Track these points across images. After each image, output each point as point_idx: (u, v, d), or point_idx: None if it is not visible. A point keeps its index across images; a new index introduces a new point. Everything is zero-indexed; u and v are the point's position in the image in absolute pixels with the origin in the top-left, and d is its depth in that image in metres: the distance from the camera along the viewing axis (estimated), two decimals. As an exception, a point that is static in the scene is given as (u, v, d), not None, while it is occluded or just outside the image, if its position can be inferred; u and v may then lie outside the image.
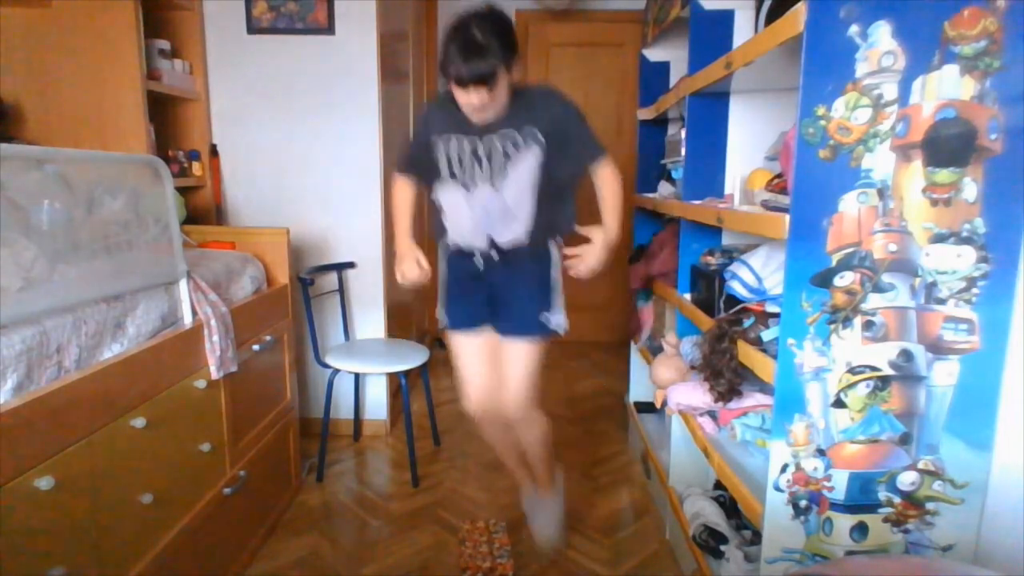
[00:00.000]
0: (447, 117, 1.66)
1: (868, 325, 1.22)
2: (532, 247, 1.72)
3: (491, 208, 1.67)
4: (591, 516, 2.26)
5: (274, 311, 2.12)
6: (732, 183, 1.91)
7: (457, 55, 1.47)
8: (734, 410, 1.65)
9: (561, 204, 1.75)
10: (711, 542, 1.71)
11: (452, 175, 1.68)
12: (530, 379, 1.76)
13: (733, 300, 1.59)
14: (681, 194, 2.04)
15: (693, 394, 1.70)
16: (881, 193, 1.19)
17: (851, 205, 1.19)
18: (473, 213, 1.69)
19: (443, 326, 1.88)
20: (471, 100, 1.52)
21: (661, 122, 2.69)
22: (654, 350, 2.33)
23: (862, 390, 1.25)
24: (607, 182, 1.73)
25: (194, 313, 1.63)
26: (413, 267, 1.76)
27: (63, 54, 2.15)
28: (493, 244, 1.71)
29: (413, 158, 1.80)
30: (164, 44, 2.38)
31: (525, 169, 1.65)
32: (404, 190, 1.82)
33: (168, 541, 1.48)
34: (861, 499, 1.30)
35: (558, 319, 1.76)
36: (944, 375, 1.24)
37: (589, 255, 1.67)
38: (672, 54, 2.65)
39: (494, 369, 1.81)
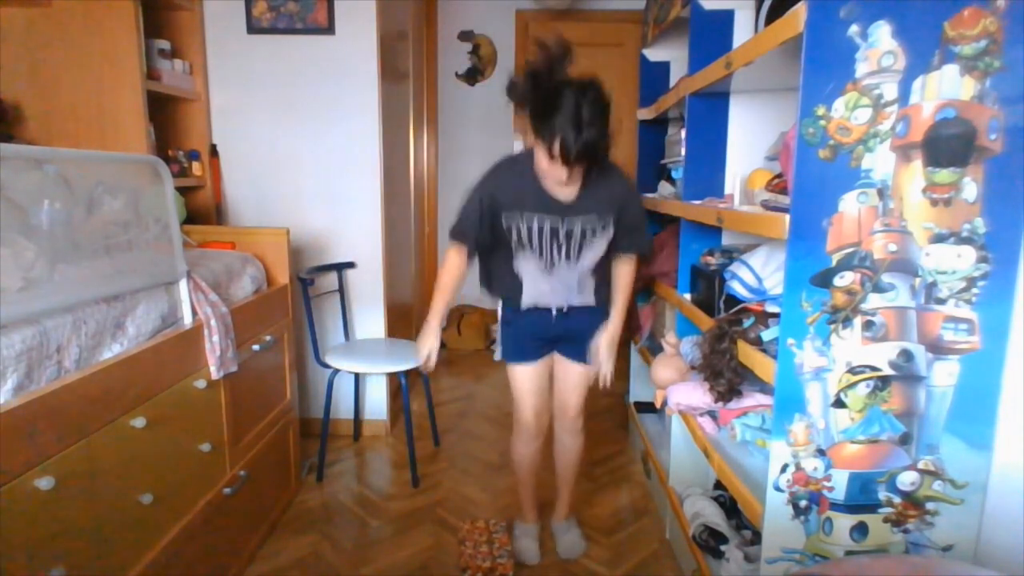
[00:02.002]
0: (525, 191, 1.66)
1: (868, 325, 1.22)
2: (598, 303, 1.86)
3: (568, 281, 1.77)
4: (591, 516, 2.26)
5: (274, 311, 2.12)
6: (732, 183, 1.91)
7: (569, 128, 1.45)
8: (734, 410, 1.65)
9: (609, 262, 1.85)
10: (711, 542, 1.71)
11: (530, 248, 1.72)
12: (585, 391, 1.97)
13: (733, 300, 1.59)
14: (681, 194, 2.04)
15: (693, 394, 1.70)
16: (881, 193, 1.19)
17: (851, 205, 1.19)
18: (551, 285, 1.77)
19: (499, 358, 1.95)
20: (562, 176, 1.53)
21: (661, 122, 2.69)
22: (654, 350, 2.33)
23: (862, 390, 1.25)
24: (629, 273, 1.86)
25: (194, 313, 1.63)
26: (428, 354, 1.82)
27: (63, 54, 2.14)
28: (567, 304, 1.82)
29: (475, 226, 1.73)
30: (164, 44, 2.38)
31: (600, 248, 1.74)
32: (457, 264, 1.80)
33: (168, 541, 1.48)
34: (861, 499, 1.30)
35: None
36: (944, 375, 1.24)
37: (605, 364, 1.86)
38: (672, 54, 2.65)
39: (545, 391, 1.97)
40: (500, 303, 1.92)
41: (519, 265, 1.76)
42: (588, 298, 1.82)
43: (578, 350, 1.89)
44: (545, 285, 1.77)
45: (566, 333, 1.86)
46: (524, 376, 1.91)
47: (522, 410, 1.95)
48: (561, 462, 2.07)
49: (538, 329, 1.85)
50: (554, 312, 1.81)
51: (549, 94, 1.48)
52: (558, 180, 1.56)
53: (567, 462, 2.06)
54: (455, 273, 1.80)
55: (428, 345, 1.81)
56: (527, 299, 1.80)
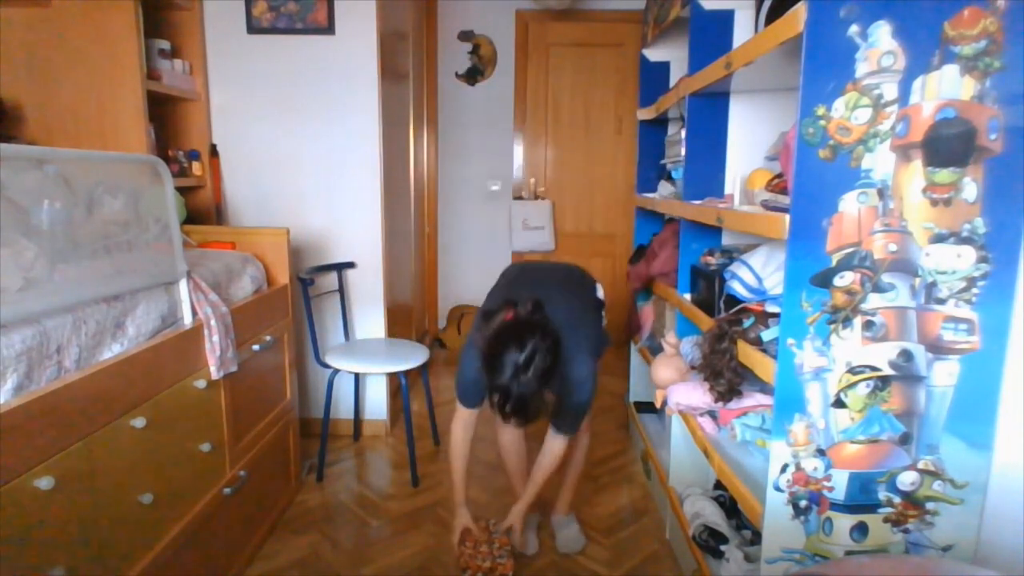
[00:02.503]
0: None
1: (868, 325, 1.22)
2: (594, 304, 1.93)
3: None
4: (591, 516, 2.26)
5: (274, 311, 2.12)
6: (732, 183, 1.91)
7: (500, 392, 1.56)
8: (734, 410, 1.65)
9: (587, 340, 1.80)
10: (711, 542, 1.71)
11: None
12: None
13: (733, 300, 1.59)
14: (681, 194, 2.04)
15: (693, 394, 1.70)
16: (881, 193, 1.19)
17: (851, 205, 1.19)
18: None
19: None
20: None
21: (661, 122, 2.69)
22: (654, 350, 2.33)
23: (862, 390, 1.25)
24: (552, 452, 1.87)
25: (194, 313, 1.63)
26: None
27: (63, 54, 2.14)
28: None
29: (476, 391, 1.84)
30: (164, 44, 2.38)
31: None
32: (466, 428, 1.90)
33: (168, 541, 1.48)
34: (861, 499, 1.30)
35: (605, 341, 1.97)
36: (944, 375, 1.24)
37: (518, 536, 1.93)
38: (672, 54, 2.65)
39: None
40: None
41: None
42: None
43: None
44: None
45: None
46: None
47: (501, 432, 2.00)
48: (564, 461, 2.05)
49: None
50: None
51: (492, 360, 1.57)
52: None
53: (569, 461, 2.06)
54: (465, 431, 1.93)
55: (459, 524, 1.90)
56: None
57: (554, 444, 1.86)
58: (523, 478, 2.07)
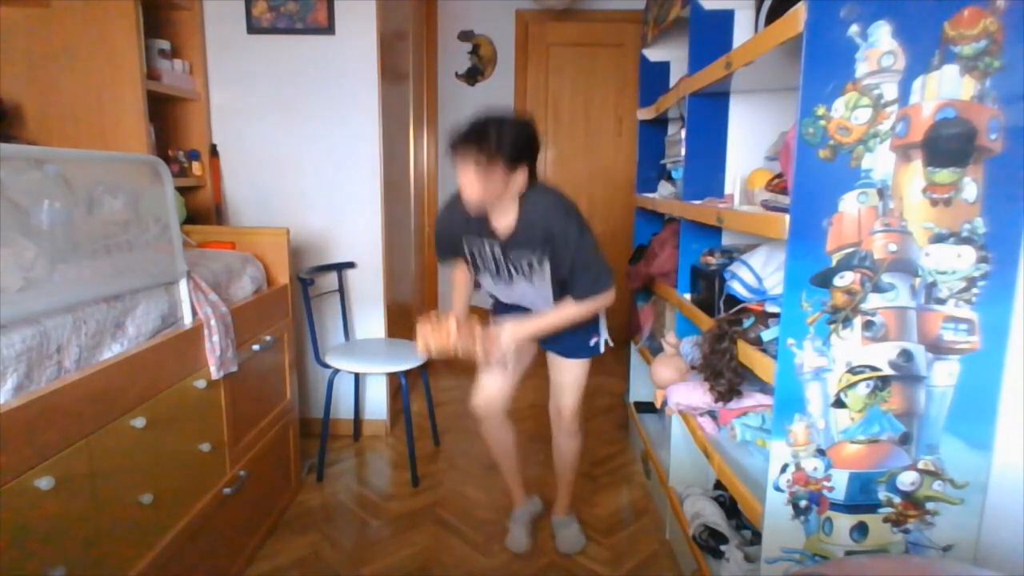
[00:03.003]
0: (464, 221, 1.73)
1: (868, 325, 1.22)
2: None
3: (532, 296, 1.80)
4: (591, 516, 2.26)
5: (274, 311, 2.12)
6: (732, 183, 1.91)
7: (461, 129, 1.56)
8: (734, 410, 1.65)
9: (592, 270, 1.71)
10: (711, 542, 1.71)
11: (487, 271, 1.80)
12: (580, 393, 1.96)
13: (733, 300, 1.59)
14: (681, 194, 2.04)
15: (693, 394, 1.70)
16: (881, 193, 1.19)
17: (851, 205, 1.19)
18: (515, 295, 1.84)
19: None
20: (462, 179, 1.59)
21: (661, 122, 2.69)
22: (654, 350, 2.33)
23: (862, 390, 1.25)
24: (573, 306, 1.72)
25: (194, 313, 1.63)
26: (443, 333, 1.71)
27: (63, 54, 2.14)
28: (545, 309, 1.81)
29: (446, 250, 1.88)
30: (164, 44, 2.38)
31: (548, 275, 1.72)
32: (455, 274, 1.95)
33: (168, 541, 1.48)
34: (861, 499, 1.30)
35: (603, 338, 1.94)
36: (944, 375, 1.24)
37: (493, 338, 1.72)
38: (672, 54, 2.65)
39: (507, 382, 1.96)
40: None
41: (486, 282, 1.86)
42: (546, 307, 1.80)
43: (567, 346, 1.89)
44: (510, 293, 1.84)
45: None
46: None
47: (475, 391, 1.98)
48: (559, 463, 2.08)
49: (518, 311, 1.87)
50: (534, 312, 1.82)
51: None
52: (466, 191, 1.60)
53: (564, 464, 2.07)
54: (457, 278, 1.95)
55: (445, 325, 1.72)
56: (502, 299, 1.90)
57: (574, 302, 1.71)
58: (518, 478, 2.10)
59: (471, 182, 1.58)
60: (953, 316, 1.22)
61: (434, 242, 1.93)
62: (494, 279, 1.81)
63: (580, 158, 4.24)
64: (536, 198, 1.67)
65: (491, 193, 1.60)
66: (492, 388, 1.95)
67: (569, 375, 1.94)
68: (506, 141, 1.55)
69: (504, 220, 1.68)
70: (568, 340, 1.87)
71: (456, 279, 1.95)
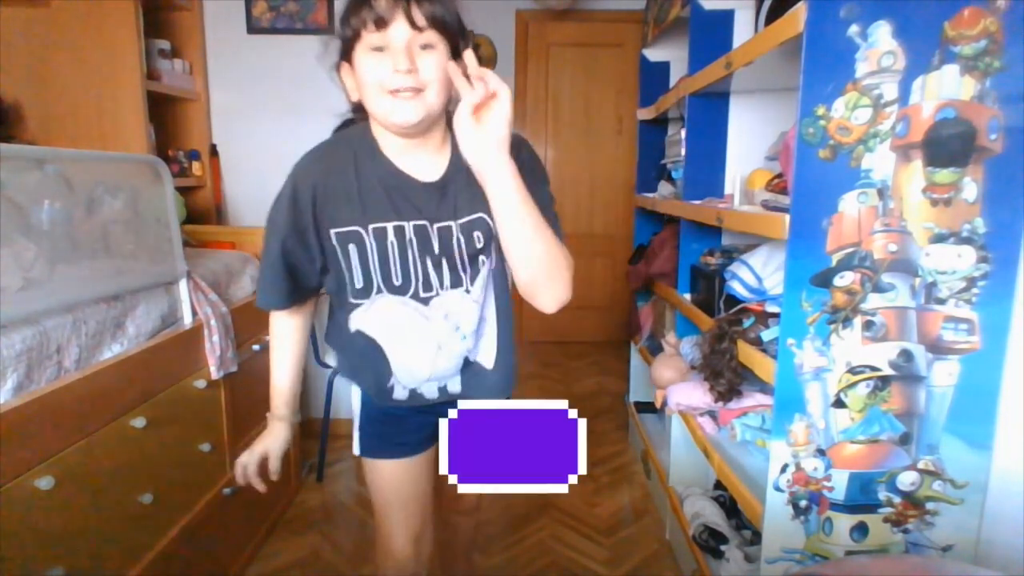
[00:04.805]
0: (364, 187, 1.05)
1: (868, 325, 1.22)
2: (503, 365, 1.17)
3: (460, 317, 1.09)
4: (591, 516, 2.26)
5: (274, 311, 2.12)
6: (732, 183, 1.90)
7: None
8: (734, 410, 1.65)
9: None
10: (711, 542, 1.71)
11: (385, 279, 1.05)
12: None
13: (733, 300, 1.59)
14: (681, 194, 2.04)
15: (693, 394, 1.70)
16: (881, 193, 1.18)
17: (851, 205, 1.19)
18: (433, 333, 1.08)
19: (357, 452, 1.26)
20: (398, 60, 0.92)
21: (661, 122, 2.69)
22: (654, 350, 2.33)
23: (862, 390, 1.25)
24: (559, 245, 1.01)
25: (194, 313, 1.63)
26: (246, 465, 1.20)
27: (63, 54, 2.15)
28: (463, 369, 1.14)
29: (294, 270, 1.09)
30: (164, 44, 2.38)
31: (496, 260, 1.10)
32: (283, 329, 1.17)
33: (168, 541, 1.48)
34: (861, 499, 1.30)
35: None
36: (944, 375, 1.24)
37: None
38: (672, 54, 2.64)
39: (427, 500, 1.29)
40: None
41: (368, 318, 1.09)
42: (491, 349, 1.15)
43: None
44: (424, 327, 1.08)
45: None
46: (393, 477, 1.22)
47: (389, 534, 1.24)
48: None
49: (419, 414, 1.19)
50: (434, 393, 1.16)
51: None
52: (397, 81, 0.94)
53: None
54: (285, 340, 1.18)
55: (260, 447, 1.22)
56: (398, 374, 1.12)
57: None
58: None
59: (415, 78, 0.92)
60: (953, 316, 1.22)
61: (263, 260, 1.11)
62: (401, 296, 1.07)
63: (580, 158, 4.24)
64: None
65: (444, 97, 0.96)
66: (416, 518, 1.27)
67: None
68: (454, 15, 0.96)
69: (428, 163, 1.03)
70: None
71: (288, 335, 1.18)
